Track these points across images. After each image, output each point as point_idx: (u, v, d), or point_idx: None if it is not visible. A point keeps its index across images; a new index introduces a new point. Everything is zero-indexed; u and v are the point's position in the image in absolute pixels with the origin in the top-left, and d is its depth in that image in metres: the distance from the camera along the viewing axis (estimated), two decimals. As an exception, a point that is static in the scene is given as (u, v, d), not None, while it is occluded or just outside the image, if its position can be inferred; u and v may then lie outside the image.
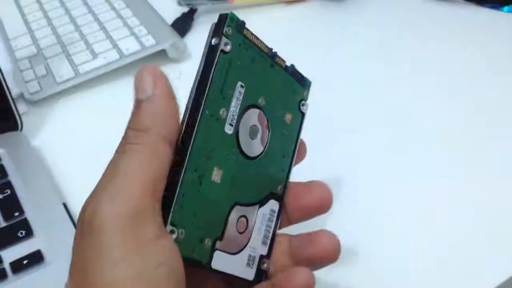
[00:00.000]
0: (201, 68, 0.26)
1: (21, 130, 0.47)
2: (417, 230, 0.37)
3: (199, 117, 0.25)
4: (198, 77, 0.26)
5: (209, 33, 0.27)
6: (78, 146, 0.47)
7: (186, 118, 0.26)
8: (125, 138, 0.25)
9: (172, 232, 0.24)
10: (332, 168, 0.42)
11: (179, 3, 0.62)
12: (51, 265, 0.36)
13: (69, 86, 0.52)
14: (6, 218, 0.38)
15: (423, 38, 0.56)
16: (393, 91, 0.50)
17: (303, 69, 0.53)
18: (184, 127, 0.25)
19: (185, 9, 0.62)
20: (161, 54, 0.54)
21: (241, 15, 0.67)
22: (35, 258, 0.36)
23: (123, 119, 0.49)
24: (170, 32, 0.56)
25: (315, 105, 0.49)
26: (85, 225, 0.23)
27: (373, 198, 0.40)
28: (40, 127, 0.49)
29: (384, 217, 0.39)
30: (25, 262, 0.36)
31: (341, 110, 0.48)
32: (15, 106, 0.46)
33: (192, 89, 0.26)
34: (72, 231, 0.37)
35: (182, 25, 0.60)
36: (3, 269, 0.35)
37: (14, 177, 0.42)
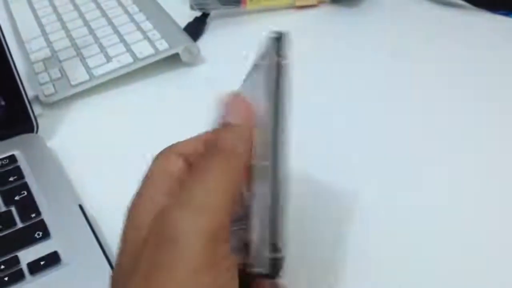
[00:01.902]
0: (277, 90, 0.25)
1: (36, 132, 0.47)
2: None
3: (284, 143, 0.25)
4: (275, 98, 0.25)
5: (271, 51, 0.26)
6: (93, 148, 0.47)
7: (273, 142, 0.25)
8: (217, 153, 0.25)
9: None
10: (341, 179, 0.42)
11: (192, 8, 0.62)
12: (68, 266, 0.36)
13: (84, 89, 0.53)
14: (22, 219, 0.39)
15: (435, 44, 0.56)
16: (404, 96, 0.50)
17: (313, 73, 0.53)
18: (272, 152, 0.25)
19: (198, 14, 0.62)
20: (174, 58, 0.55)
21: (252, 20, 0.68)
22: (52, 259, 0.36)
23: (137, 121, 0.50)
24: (183, 36, 0.57)
25: (325, 109, 0.49)
26: (160, 233, 0.23)
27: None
28: (55, 129, 0.49)
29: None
30: (42, 263, 0.36)
31: (349, 115, 0.48)
32: (31, 108, 0.46)
33: (272, 109, 0.25)
34: (88, 232, 0.38)
35: (195, 29, 0.60)
36: (21, 270, 0.36)
37: (30, 179, 0.42)
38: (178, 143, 0.30)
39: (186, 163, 0.29)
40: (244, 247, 0.26)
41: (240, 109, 0.27)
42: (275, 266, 0.24)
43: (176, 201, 0.24)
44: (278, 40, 0.26)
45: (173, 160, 0.29)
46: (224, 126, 0.27)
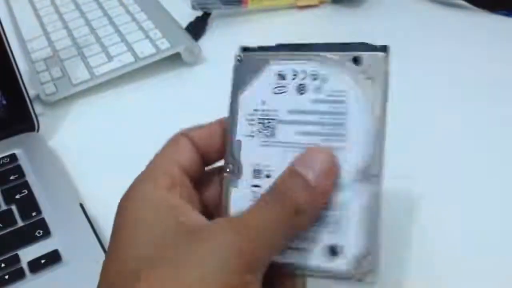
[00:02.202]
0: (385, 103, 0.26)
1: (37, 131, 0.47)
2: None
3: None
4: (383, 111, 0.26)
5: (380, 65, 0.26)
6: (94, 147, 0.47)
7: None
8: (286, 204, 0.24)
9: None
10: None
11: (193, 7, 0.62)
12: (68, 265, 0.36)
13: (85, 88, 0.53)
14: (23, 218, 0.39)
15: (435, 44, 0.56)
16: (405, 97, 0.50)
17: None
18: (380, 163, 0.25)
19: (199, 13, 0.62)
20: (176, 58, 0.55)
21: (254, 20, 0.68)
22: (53, 258, 0.36)
23: (138, 120, 0.50)
24: (184, 36, 0.57)
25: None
26: (190, 228, 0.24)
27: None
28: (56, 128, 0.49)
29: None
30: (42, 261, 0.36)
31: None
32: (32, 107, 0.47)
33: (380, 121, 0.26)
34: (88, 231, 0.38)
35: (196, 29, 0.60)
36: (21, 269, 0.36)
37: (31, 177, 0.42)
38: (193, 129, 0.29)
39: (197, 153, 0.28)
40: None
41: (323, 167, 0.25)
42: (373, 273, 0.24)
43: (231, 219, 0.25)
44: (385, 53, 0.26)
45: (183, 147, 0.28)
46: (302, 179, 0.24)
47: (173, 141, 0.29)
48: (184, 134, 0.29)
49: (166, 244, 0.24)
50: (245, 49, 0.28)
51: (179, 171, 0.27)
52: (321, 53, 0.26)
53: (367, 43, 0.26)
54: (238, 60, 0.28)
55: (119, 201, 0.27)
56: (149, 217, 0.25)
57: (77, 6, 0.64)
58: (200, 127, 0.29)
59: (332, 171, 0.25)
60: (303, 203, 0.24)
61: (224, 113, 0.31)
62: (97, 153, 0.46)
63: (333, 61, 0.26)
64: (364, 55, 0.26)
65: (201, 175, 0.29)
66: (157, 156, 0.28)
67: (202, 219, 0.26)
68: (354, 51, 0.26)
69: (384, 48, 0.26)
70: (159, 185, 0.26)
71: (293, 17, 0.63)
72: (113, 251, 0.25)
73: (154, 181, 0.27)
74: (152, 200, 0.26)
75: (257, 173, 0.27)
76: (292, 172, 0.25)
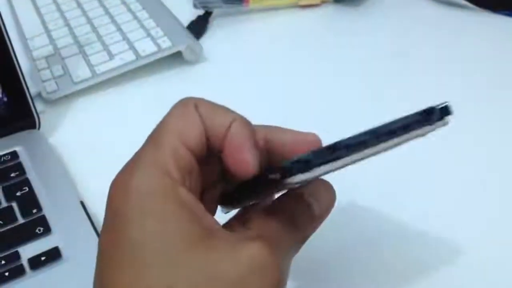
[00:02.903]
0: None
1: (38, 128, 0.47)
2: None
3: None
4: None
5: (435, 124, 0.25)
6: (95, 145, 0.47)
7: None
8: (296, 233, 0.27)
9: None
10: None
11: (195, 6, 0.62)
12: (68, 262, 0.36)
13: (86, 86, 0.53)
14: (24, 215, 0.39)
15: (436, 44, 0.56)
16: (404, 97, 0.50)
17: (316, 72, 0.53)
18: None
19: (201, 12, 0.62)
20: (177, 56, 0.55)
21: (255, 18, 0.68)
22: (53, 255, 0.36)
23: (139, 119, 0.50)
24: (186, 35, 0.57)
25: (326, 107, 0.49)
26: (206, 236, 0.23)
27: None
28: (57, 125, 0.49)
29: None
30: (42, 258, 0.36)
31: (351, 114, 0.48)
32: (33, 104, 0.47)
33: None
34: (89, 228, 0.38)
35: (198, 27, 0.61)
36: (21, 265, 0.36)
37: (31, 175, 0.42)
38: (204, 104, 0.26)
39: (204, 134, 0.25)
40: None
41: (329, 200, 0.28)
42: None
43: (250, 235, 0.25)
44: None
45: (193, 123, 0.25)
46: (309, 210, 0.27)
47: (183, 112, 0.26)
48: (195, 106, 0.26)
49: (183, 255, 0.22)
50: (298, 169, 0.21)
51: (189, 154, 0.25)
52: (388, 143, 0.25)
53: (431, 110, 0.24)
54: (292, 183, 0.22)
55: (116, 180, 0.26)
56: (161, 219, 0.23)
57: (79, 4, 0.64)
58: (213, 106, 0.26)
59: (333, 205, 0.28)
60: (308, 234, 0.27)
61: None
62: (98, 151, 0.46)
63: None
64: (427, 131, 0.25)
65: (202, 159, 0.26)
66: (164, 128, 0.25)
67: (214, 223, 0.25)
68: (418, 129, 0.25)
69: (442, 113, 0.25)
70: (170, 175, 0.24)
71: (295, 16, 0.63)
72: (116, 255, 0.23)
73: (164, 168, 0.24)
74: (164, 196, 0.23)
75: None
76: (301, 199, 0.27)
